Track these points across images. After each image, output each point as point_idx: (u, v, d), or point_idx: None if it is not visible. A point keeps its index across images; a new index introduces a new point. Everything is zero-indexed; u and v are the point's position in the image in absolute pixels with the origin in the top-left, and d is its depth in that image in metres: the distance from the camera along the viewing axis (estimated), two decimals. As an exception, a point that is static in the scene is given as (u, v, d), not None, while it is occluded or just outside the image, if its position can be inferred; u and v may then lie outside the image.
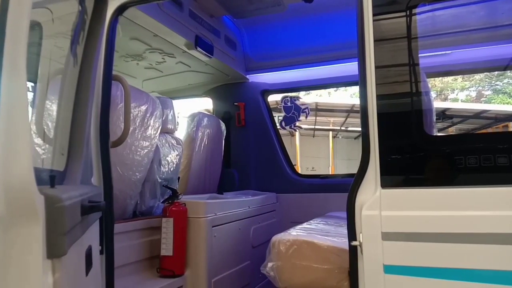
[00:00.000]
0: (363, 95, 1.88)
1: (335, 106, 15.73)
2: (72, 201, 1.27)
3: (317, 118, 17.28)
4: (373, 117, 1.84)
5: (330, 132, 19.46)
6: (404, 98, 1.85)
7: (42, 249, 1.08)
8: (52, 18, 2.35)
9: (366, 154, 1.86)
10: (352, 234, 1.89)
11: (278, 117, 4.75)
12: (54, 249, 1.12)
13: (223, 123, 4.36)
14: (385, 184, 1.79)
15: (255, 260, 3.36)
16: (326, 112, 16.34)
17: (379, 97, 1.83)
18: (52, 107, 2.15)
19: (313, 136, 19.65)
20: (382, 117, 1.82)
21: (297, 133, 18.49)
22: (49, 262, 1.12)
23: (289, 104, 4.53)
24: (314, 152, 19.40)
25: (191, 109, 4.35)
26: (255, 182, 4.42)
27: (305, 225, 3.17)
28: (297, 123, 4.63)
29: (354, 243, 1.87)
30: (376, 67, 1.85)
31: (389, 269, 1.75)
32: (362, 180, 1.87)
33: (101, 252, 2.21)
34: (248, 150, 4.51)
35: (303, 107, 4.54)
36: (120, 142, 2.54)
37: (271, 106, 4.65)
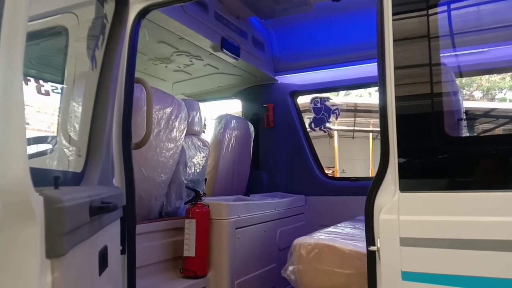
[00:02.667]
0: (382, 96, 1.81)
1: (375, 107, 15.32)
2: (75, 202, 1.29)
3: (357, 119, 16.94)
4: (392, 119, 1.77)
5: (371, 134, 19.02)
6: (424, 99, 1.76)
7: (40, 249, 1.10)
8: (78, 22, 2.44)
9: (385, 156, 1.79)
10: (370, 239, 1.82)
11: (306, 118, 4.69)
12: (53, 249, 1.14)
13: (252, 125, 4.35)
14: (404, 187, 1.71)
15: (281, 263, 3.30)
16: (366, 113, 15.97)
17: (398, 98, 1.76)
18: (71, 110, 2.22)
19: (353, 138, 19.28)
20: (401, 118, 1.75)
21: (335, 135, 18.24)
22: (48, 262, 1.13)
23: (319, 105, 4.46)
24: (354, 154, 19.02)
25: (224, 112, 4.36)
26: (284, 184, 4.37)
27: (331, 228, 3.10)
28: (328, 125, 4.55)
29: (371, 248, 1.80)
30: (396, 68, 1.78)
31: (407, 276, 1.66)
32: (381, 183, 1.80)
33: (122, 252, 2.25)
34: (277, 152, 4.47)
35: (333, 108, 4.45)
36: (143, 144, 2.58)
37: (302, 108, 4.60)
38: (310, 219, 4.16)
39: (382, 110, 1.80)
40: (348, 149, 18.59)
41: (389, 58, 1.81)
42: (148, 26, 2.99)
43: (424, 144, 1.76)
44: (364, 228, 3.10)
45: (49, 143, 2.50)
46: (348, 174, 15.52)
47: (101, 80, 2.16)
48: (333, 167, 16.83)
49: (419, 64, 1.78)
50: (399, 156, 1.73)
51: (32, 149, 2.70)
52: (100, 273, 1.69)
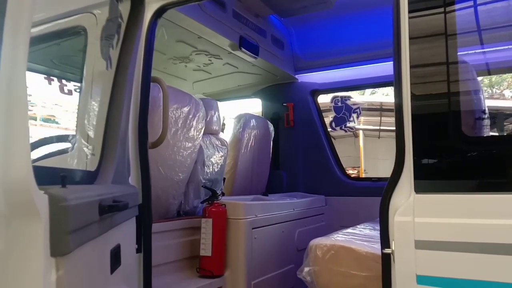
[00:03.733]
0: (398, 95, 1.76)
1: (402, 106, 14.98)
2: (82, 200, 1.30)
3: (383, 118, 16.63)
4: (408, 118, 1.72)
5: (397, 133, 18.59)
6: (440, 98, 1.70)
7: (45, 247, 1.11)
8: (97, 22, 2.47)
9: (400, 156, 1.73)
10: (385, 241, 1.77)
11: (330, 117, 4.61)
12: (58, 247, 1.15)
13: (272, 124, 4.32)
14: (419, 188, 1.65)
15: (300, 264, 3.27)
16: (392, 112, 15.60)
17: (414, 97, 1.71)
18: (89, 109, 2.25)
19: (378, 137, 18.95)
20: (417, 118, 1.69)
21: (361, 134, 17.95)
22: (53, 260, 1.14)
23: (339, 104, 4.39)
24: (380, 153, 18.69)
25: (244, 111, 4.35)
26: (303, 184, 4.32)
27: (349, 229, 3.04)
28: (349, 124, 4.47)
29: (386, 250, 1.75)
30: (411, 66, 1.73)
31: (422, 280, 1.60)
32: (396, 184, 1.75)
33: (138, 251, 2.27)
34: (297, 152, 4.42)
35: (354, 107, 4.38)
36: (159, 143, 2.59)
37: (323, 108, 4.53)
38: (330, 220, 4.10)
39: (398, 109, 1.75)
40: (374, 148, 18.29)
41: (405, 56, 1.76)
42: (167, 25, 3.00)
43: (440, 144, 1.70)
44: (383, 230, 3.04)
45: (69, 141, 2.56)
46: (370, 175, 15.25)
47: (116, 79, 2.17)
48: (358, 167, 16.58)
49: (436, 62, 1.72)
50: (414, 157, 1.68)
51: (55, 147, 2.76)
52: (112, 272, 1.70)
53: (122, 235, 1.94)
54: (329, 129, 4.46)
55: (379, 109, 15.33)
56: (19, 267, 1.10)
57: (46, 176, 1.50)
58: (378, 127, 17.21)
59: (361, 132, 17.47)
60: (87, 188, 1.63)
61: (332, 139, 4.46)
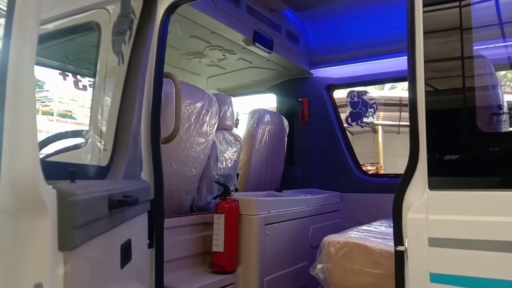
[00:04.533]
0: (412, 90, 1.72)
1: (420, 101, 14.72)
2: (91, 195, 1.30)
3: (402, 113, 16.37)
4: (422, 114, 1.68)
5: (417, 129, 18.27)
6: (455, 93, 1.65)
7: (52, 242, 1.12)
8: (110, 18, 2.48)
9: (414, 153, 1.70)
10: (398, 239, 1.73)
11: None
12: (66, 242, 1.15)
13: (286, 120, 4.29)
14: (433, 185, 1.61)
15: (314, 261, 3.25)
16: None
17: (428, 92, 1.67)
18: (101, 104, 2.26)
19: (398, 133, 18.67)
20: (431, 113, 1.65)
21: (380, 130, 17.71)
22: (60, 254, 1.15)
23: (355, 99, 4.33)
24: (399, 149, 18.41)
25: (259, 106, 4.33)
26: (319, 181, 4.28)
27: (365, 226, 2.99)
28: (366, 119, 4.41)
29: (399, 248, 1.71)
30: (426, 61, 1.68)
31: (436, 278, 1.56)
32: (410, 180, 1.71)
33: (149, 246, 2.28)
34: (312, 147, 4.38)
35: (371, 102, 4.31)
36: (171, 138, 2.59)
37: (339, 103, 4.47)
38: (346, 216, 4.04)
39: (412, 105, 1.72)
40: (393, 144, 18.04)
41: (419, 51, 1.72)
42: (180, 20, 3.00)
43: (455, 140, 1.65)
44: (399, 227, 2.98)
45: (83, 137, 2.58)
46: (389, 171, 15.04)
47: (128, 74, 2.18)
48: (377, 163, 16.37)
49: (451, 57, 1.67)
50: (428, 153, 1.63)
51: (69, 142, 2.79)
52: (122, 266, 1.70)
53: (133, 230, 1.95)
54: (345, 125, 4.41)
55: (398, 104, 15.10)
56: (27, 261, 1.10)
57: (57, 171, 1.51)
58: (397, 123, 16.96)
59: (380, 128, 17.24)
60: (97, 183, 1.63)
61: (350, 135, 4.40)
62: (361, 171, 4.27)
